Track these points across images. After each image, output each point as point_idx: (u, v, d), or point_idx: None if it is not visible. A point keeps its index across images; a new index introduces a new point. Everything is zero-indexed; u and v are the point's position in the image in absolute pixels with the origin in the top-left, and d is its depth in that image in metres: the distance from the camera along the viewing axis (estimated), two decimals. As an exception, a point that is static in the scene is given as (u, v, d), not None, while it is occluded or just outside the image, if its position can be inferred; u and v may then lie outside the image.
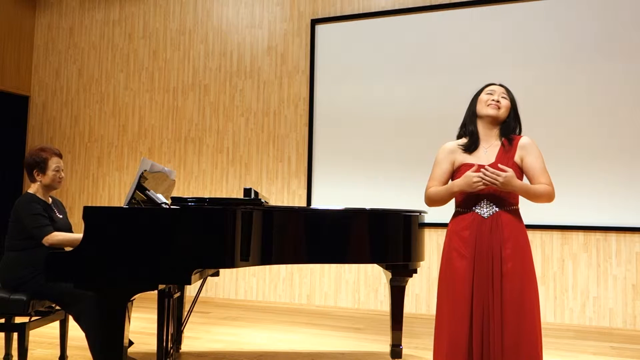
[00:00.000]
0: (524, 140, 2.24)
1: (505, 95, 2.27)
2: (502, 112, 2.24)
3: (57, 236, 2.76)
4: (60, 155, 2.95)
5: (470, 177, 2.12)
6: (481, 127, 2.29)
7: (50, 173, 2.88)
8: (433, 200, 2.30)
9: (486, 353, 2.10)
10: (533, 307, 2.12)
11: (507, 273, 2.11)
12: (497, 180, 2.07)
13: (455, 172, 2.28)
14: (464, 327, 2.12)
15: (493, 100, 2.24)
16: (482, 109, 2.26)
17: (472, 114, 2.32)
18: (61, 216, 2.98)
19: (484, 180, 2.09)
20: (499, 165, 2.12)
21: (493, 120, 2.25)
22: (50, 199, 2.97)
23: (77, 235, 2.86)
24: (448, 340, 2.16)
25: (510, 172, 2.08)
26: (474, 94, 2.36)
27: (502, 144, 2.24)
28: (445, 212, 2.41)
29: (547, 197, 2.18)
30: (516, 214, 2.21)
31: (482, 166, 2.16)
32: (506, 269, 2.12)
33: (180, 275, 2.30)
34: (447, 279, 2.23)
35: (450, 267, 2.21)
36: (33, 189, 2.90)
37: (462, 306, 2.14)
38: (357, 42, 5.44)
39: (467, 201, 2.23)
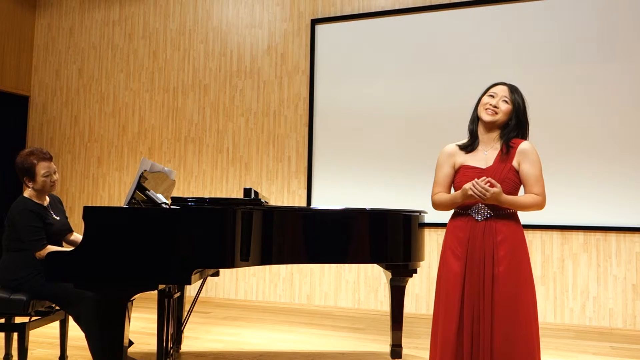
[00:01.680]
0: (523, 145, 2.21)
1: (507, 99, 2.22)
2: (500, 117, 2.21)
3: (49, 249, 2.71)
4: (49, 159, 2.85)
5: (465, 189, 2.14)
6: (481, 129, 2.27)
7: (40, 179, 2.81)
8: (439, 207, 2.32)
9: (475, 355, 2.09)
10: (529, 312, 2.11)
11: (499, 276, 2.10)
12: (485, 195, 2.08)
13: (456, 174, 2.28)
14: (453, 328, 2.12)
15: (491, 105, 2.21)
16: (481, 112, 2.25)
17: (475, 114, 2.31)
18: (58, 217, 2.95)
19: (472, 193, 2.10)
20: (491, 180, 2.11)
21: (490, 125, 2.24)
22: (47, 199, 2.94)
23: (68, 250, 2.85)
24: (440, 341, 2.16)
25: (497, 189, 2.08)
26: (484, 90, 2.32)
27: (502, 148, 2.23)
28: (445, 212, 2.41)
29: (536, 207, 2.18)
30: (512, 217, 2.20)
31: (481, 172, 2.17)
32: (498, 271, 2.11)
33: (180, 275, 2.30)
34: (442, 278, 2.24)
35: (446, 266, 2.23)
36: (27, 192, 2.87)
37: (454, 307, 2.14)
38: (357, 42, 5.44)
39: (465, 203, 2.23)
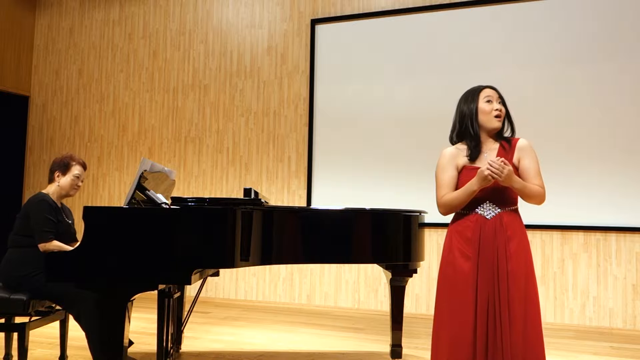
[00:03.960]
0: (521, 142, 2.25)
1: (500, 101, 2.26)
2: (502, 121, 2.25)
3: (54, 244, 2.78)
4: (85, 167, 3.06)
5: (481, 172, 2.12)
6: (484, 134, 2.27)
7: (69, 177, 2.96)
8: (452, 207, 2.24)
9: (491, 354, 2.09)
10: (536, 305, 2.14)
11: (512, 271, 2.13)
12: (502, 173, 2.08)
13: (459, 176, 2.27)
14: (468, 328, 2.12)
15: (496, 110, 2.22)
16: (489, 121, 2.23)
17: (473, 120, 2.26)
18: (70, 221, 3.03)
19: (490, 173, 2.09)
20: (504, 159, 2.12)
21: (495, 130, 2.26)
22: (60, 204, 3.00)
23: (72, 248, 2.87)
24: (449, 342, 2.15)
25: (511, 167, 2.11)
26: (465, 95, 2.31)
27: (502, 146, 2.25)
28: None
29: (539, 198, 2.19)
30: (517, 214, 2.23)
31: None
32: (511, 267, 2.13)
33: (180, 275, 2.30)
34: (448, 279, 2.22)
35: (453, 268, 2.21)
36: (48, 190, 2.96)
37: (465, 307, 2.13)
38: (357, 42, 5.44)
39: (469, 203, 2.23)
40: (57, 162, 3.00)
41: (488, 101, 2.24)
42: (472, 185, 2.17)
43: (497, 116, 2.22)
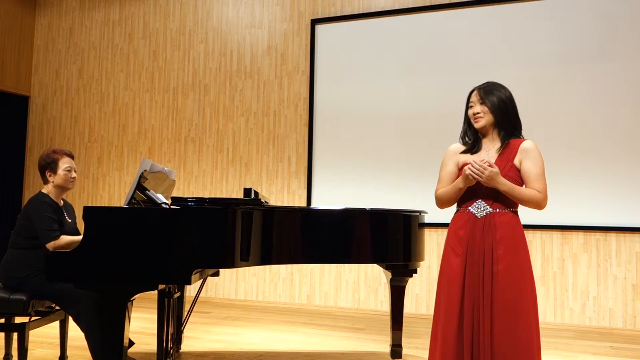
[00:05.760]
0: (525, 144, 2.24)
1: (481, 101, 2.26)
2: (486, 118, 2.25)
3: (63, 240, 2.75)
4: (71, 156, 2.98)
5: (465, 170, 2.18)
6: (480, 134, 2.33)
7: (61, 173, 2.90)
8: (443, 201, 2.34)
9: (476, 353, 2.10)
10: (529, 311, 2.11)
11: (498, 274, 2.12)
12: (482, 174, 2.11)
13: (459, 172, 2.30)
14: (454, 325, 2.14)
15: (474, 113, 2.28)
16: (474, 124, 2.31)
17: (469, 125, 2.35)
18: (70, 220, 3.00)
19: (470, 173, 2.13)
20: (488, 161, 2.14)
21: (485, 130, 2.29)
22: (62, 202, 2.99)
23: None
24: (441, 339, 2.17)
25: (495, 169, 2.12)
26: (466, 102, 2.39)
27: (505, 145, 2.25)
28: (445, 212, 2.42)
29: (535, 203, 2.17)
30: (513, 216, 2.21)
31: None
32: (497, 269, 2.12)
33: (180, 275, 2.30)
34: (444, 276, 2.26)
35: (447, 265, 2.25)
36: (46, 189, 2.93)
37: (454, 305, 2.16)
38: (357, 42, 5.44)
39: (463, 200, 2.27)
40: (42, 162, 2.91)
41: (470, 107, 2.32)
42: (458, 182, 2.25)
43: (475, 119, 2.28)
